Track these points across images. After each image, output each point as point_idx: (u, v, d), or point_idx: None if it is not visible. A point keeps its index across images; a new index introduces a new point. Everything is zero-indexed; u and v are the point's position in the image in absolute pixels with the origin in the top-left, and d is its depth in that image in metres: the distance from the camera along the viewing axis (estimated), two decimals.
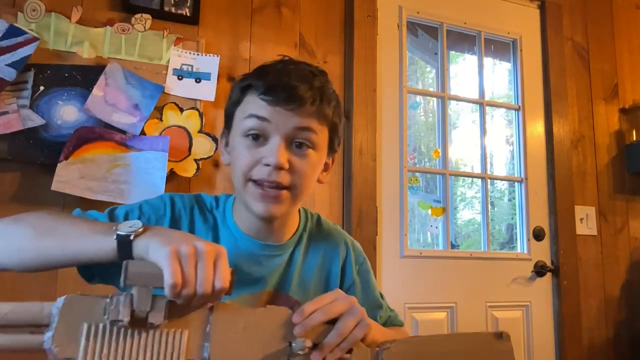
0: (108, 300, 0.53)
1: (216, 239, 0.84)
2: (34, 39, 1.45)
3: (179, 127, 1.59)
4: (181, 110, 1.61)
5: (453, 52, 2.86)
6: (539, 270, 2.11)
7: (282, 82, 0.76)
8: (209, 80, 1.65)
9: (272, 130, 0.76)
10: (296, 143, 0.78)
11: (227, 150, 0.86)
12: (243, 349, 0.58)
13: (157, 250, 0.58)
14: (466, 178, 3.74)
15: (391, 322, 0.95)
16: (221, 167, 1.67)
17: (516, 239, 2.22)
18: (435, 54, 2.30)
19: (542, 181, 2.20)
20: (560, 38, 2.30)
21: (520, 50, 2.27)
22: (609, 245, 2.24)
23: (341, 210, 1.82)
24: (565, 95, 2.26)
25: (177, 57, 1.63)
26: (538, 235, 2.15)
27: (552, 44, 2.27)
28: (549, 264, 2.13)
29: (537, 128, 2.24)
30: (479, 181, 2.31)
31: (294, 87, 0.76)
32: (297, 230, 0.89)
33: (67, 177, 1.43)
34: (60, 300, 0.53)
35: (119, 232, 0.62)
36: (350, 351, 0.63)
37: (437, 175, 2.17)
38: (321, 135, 0.80)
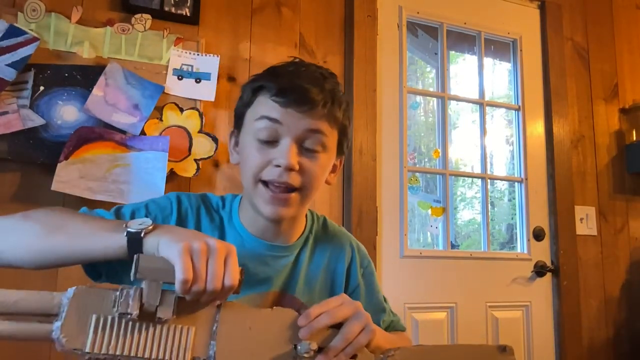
0: (118, 293, 0.54)
1: (222, 239, 0.83)
2: (34, 39, 1.45)
3: (179, 127, 1.59)
4: (181, 110, 1.61)
5: (453, 52, 2.86)
6: (539, 270, 2.11)
7: (294, 85, 0.76)
8: (209, 80, 1.65)
9: (284, 131, 0.77)
10: (307, 145, 0.78)
11: (236, 150, 0.86)
12: (249, 349, 0.58)
13: (169, 246, 0.58)
14: (466, 178, 3.74)
15: (394, 326, 0.95)
16: (221, 167, 1.67)
17: (516, 239, 2.22)
18: (435, 54, 2.30)
19: (542, 181, 2.20)
20: (560, 38, 2.30)
21: (520, 50, 2.27)
22: (609, 245, 2.24)
23: (341, 210, 1.82)
24: (565, 95, 2.26)
25: (177, 57, 1.63)
26: (538, 235, 2.15)
27: (552, 44, 2.27)
28: (549, 264, 2.13)
29: (537, 128, 2.24)
30: (479, 181, 2.31)
31: (306, 89, 0.76)
32: (303, 231, 0.89)
33: (67, 177, 1.43)
34: (71, 291, 0.53)
35: (129, 230, 0.63)
36: (354, 356, 0.63)
37: (437, 175, 2.17)
38: (331, 138, 0.81)
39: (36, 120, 1.43)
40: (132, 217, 0.78)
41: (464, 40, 2.37)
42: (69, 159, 1.44)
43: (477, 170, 2.29)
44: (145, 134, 1.54)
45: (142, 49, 1.59)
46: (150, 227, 0.63)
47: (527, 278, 2.11)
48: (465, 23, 2.20)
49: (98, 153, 1.48)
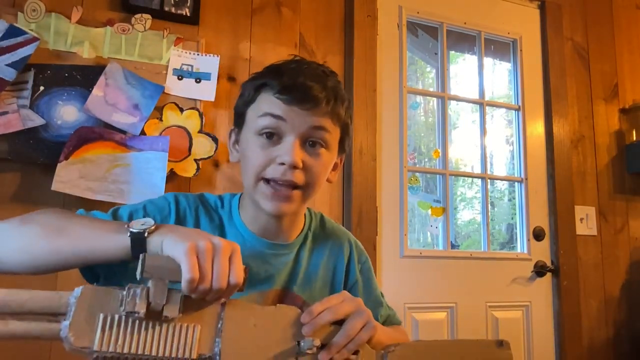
0: (125, 292, 0.54)
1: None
2: (34, 39, 1.45)
3: (179, 127, 1.59)
4: (181, 110, 1.61)
5: (453, 52, 2.86)
6: (539, 270, 2.11)
7: (297, 82, 0.77)
8: (209, 80, 1.65)
9: (287, 129, 0.77)
10: (310, 142, 0.79)
11: (236, 148, 0.86)
12: (253, 345, 0.59)
13: (174, 245, 0.58)
14: (466, 178, 3.74)
15: (390, 320, 0.96)
16: (221, 167, 1.67)
17: (516, 239, 2.22)
18: (435, 54, 2.30)
19: (542, 181, 2.20)
20: (560, 38, 2.30)
21: (520, 50, 2.27)
22: (609, 245, 2.24)
23: (341, 210, 1.82)
24: (565, 95, 2.26)
25: (177, 57, 1.63)
26: (538, 235, 2.15)
27: (552, 44, 2.27)
28: (549, 264, 2.13)
29: (537, 128, 2.24)
30: (479, 181, 2.31)
31: (309, 87, 0.76)
32: (302, 229, 0.90)
33: (67, 177, 1.43)
34: (78, 290, 0.54)
35: (132, 230, 0.63)
36: (356, 352, 0.64)
37: (437, 175, 2.17)
38: (334, 135, 0.82)
39: (36, 120, 1.43)
40: (130, 218, 0.78)
41: (464, 40, 2.37)
42: (69, 159, 1.44)
43: (477, 170, 2.29)
44: (145, 134, 1.54)
45: (142, 49, 1.59)
46: (153, 227, 0.63)
47: (527, 278, 2.11)
48: (465, 23, 2.20)
49: (98, 153, 1.48)
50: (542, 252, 2.15)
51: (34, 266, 0.68)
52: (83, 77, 1.50)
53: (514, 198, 2.36)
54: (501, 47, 2.33)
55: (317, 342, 0.61)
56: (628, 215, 2.30)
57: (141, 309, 0.53)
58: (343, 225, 1.79)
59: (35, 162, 1.43)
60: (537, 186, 2.19)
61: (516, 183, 2.22)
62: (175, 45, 1.63)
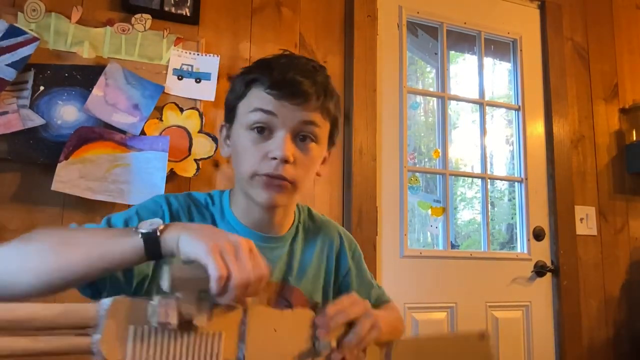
0: (154, 302, 0.54)
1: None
2: (34, 39, 1.45)
3: (179, 127, 1.59)
4: (181, 110, 1.61)
5: (453, 52, 2.86)
6: (539, 270, 2.11)
7: (287, 77, 0.78)
8: (209, 80, 1.65)
9: (278, 124, 0.78)
10: (300, 136, 0.80)
11: (227, 143, 0.87)
12: (274, 349, 0.60)
13: (194, 245, 0.58)
14: (466, 178, 3.74)
15: (380, 299, 1.00)
16: (221, 167, 1.67)
17: (516, 239, 2.22)
18: (435, 54, 2.30)
19: (542, 181, 2.20)
20: (560, 38, 2.30)
21: (520, 50, 2.27)
22: (609, 245, 2.24)
23: (341, 210, 1.82)
24: (565, 95, 2.26)
25: (177, 57, 1.63)
26: (538, 235, 2.15)
27: (552, 44, 2.27)
28: (549, 264, 2.13)
29: (537, 128, 2.24)
30: (479, 181, 2.31)
31: (299, 82, 0.78)
32: (293, 222, 0.92)
33: (67, 177, 1.43)
34: (107, 302, 0.53)
35: (142, 231, 0.62)
36: (364, 350, 0.67)
37: (437, 175, 2.17)
38: (324, 129, 0.83)
39: (36, 120, 1.43)
40: (126, 225, 0.77)
41: (464, 40, 2.37)
42: (69, 159, 1.44)
43: (477, 170, 2.29)
44: (145, 134, 1.54)
45: (142, 49, 1.59)
46: (162, 226, 0.62)
47: (527, 278, 2.11)
48: (465, 23, 2.20)
49: (98, 153, 1.48)
50: (542, 252, 2.15)
51: (46, 285, 0.63)
52: (83, 77, 1.50)
53: (514, 198, 2.36)
54: (501, 47, 2.33)
55: (333, 343, 0.63)
56: (628, 215, 2.30)
57: (174, 320, 0.53)
58: (343, 226, 1.80)
59: (35, 162, 1.43)
60: (537, 186, 2.19)
61: (516, 183, 2.22)
62: (175, 45, 1.63)
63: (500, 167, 3.06)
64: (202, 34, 1.70)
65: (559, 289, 2.10)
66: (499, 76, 2.94)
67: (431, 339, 0.77)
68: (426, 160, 3.39)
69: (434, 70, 2.92)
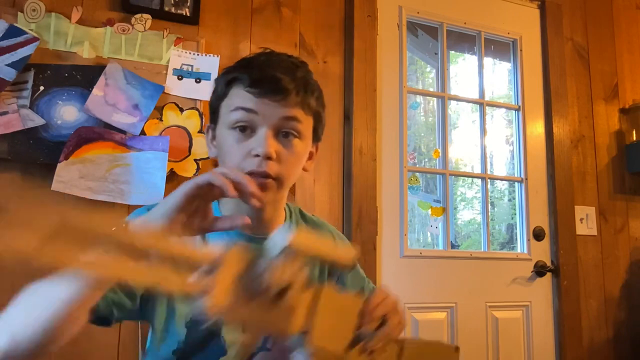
0: (271, 259, 0.54)
1: (206, 240, 0.84)
2: (34, 39, 1.45)
3: (179, 127, 1.59)
4: (181, 110, 1.61)
5: (453, 52, 2.86)
6: (539, 270, 2.11)
7: (267, 75, 0.79)
8: (209, 80, 1.65)
9: (260, 121, 0.79)
10: (283, 133, 0.80)
11: (213, 144, 0.87)
12: (335, 326, 0.62)
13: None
14: (466, 178, 3.74)
15: (369, 288, 1.01)
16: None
17: (516, 239, 2.22)
18: (435, 54, 2.31)
19: (542, 181, 2.20)
20: (560, 38, 2.30)
21: (520, 50, 2.27)
22: (609, 245, 2.24)
23: (341, 210, 1.82)
24: (565, 95, 2.26)
25: (177, 57, 1.63)
26: (538, 235, 2.15)
27: (552, 44, 2.27)
28: (549, 264, 2.13)
29: (537, 128, 2.24)
30: (479, 181, 2.31)
31: (278, 79, 0.78)
32: (284, 222, 0.92)
33: (67, 177, 1.43)
34: (224, 248, 0.53)
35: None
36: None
37: (437, 175, 2.17)
38: (306, 125, 0.83)
39: (36, 120, 1.43)
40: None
41: (464, 40, 2.37)
42: (69, 159, 1.44)
43: (477, 170, 2.29)
44: (145, 134, 1.54)
45: (142, 49, 1.59)
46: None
47: (527, 278, 2.11)
48: (465, 23, 2.20)
49: (98, 153, 1.48)
50: (542, 252, 2.15)
51: (51, 334, 0.59)
52: (83, 77, 1.50)
53: (514, 198, 2.36)
54: (501, 47, 2.33)
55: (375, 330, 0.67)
56: (628, 215, 2.30)
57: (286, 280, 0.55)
58: (343, 226, 1.81)
59: (35, 162, 1.43)
60: (537, 186, 2.19)
61: (516, 183, 2.22)
62: (175, 45, 1.63)
63: (500, 167, 3.06)
64: (202, 34, 1.70)
65: (559, 289, 2.10)
66: (499, 76, 2.94)
67: (415, 342, 0.79)
68: (426, 160, 3.39)
69: (434, 70, 2.92)
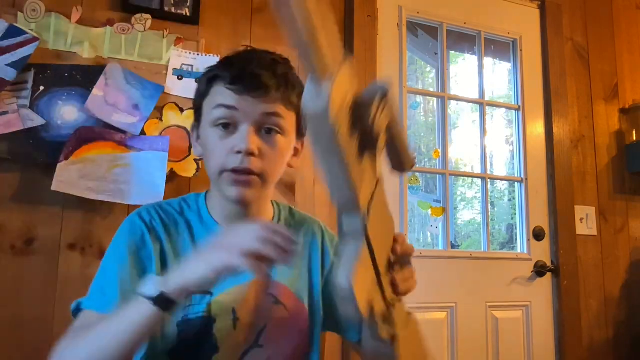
0: None
1: (194, 240, 0.84)
2: (34, 39, 1.45)
3: (179, 127, 1.59)
4: (181, 110, 1.61)
5: (453, 52, 2.86)
6: (539, 270, 2.11)
7: (247, 71, 0.79)
8: None
9: (241, 118, 0.79)
10: (265, 129, 0.81)
11: (199, 143, 0.87)
12: (381, 233, 0.61)
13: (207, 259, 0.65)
14: (466, 178, 3.74)
15: None
16: None
17: (516, 239, 2.22)
18: (435, 54, 2.31)
19: (542, 181, 2.20)
20: (560, 38, 2.30)
21: (520, 50, 2.27)
22: (609, 245, 2.24)
23: None
24: (565, 95, 2.26)
25: (177, 57, 1.62)
26: (538, 235, 2.15)
27: (552, 44, 2.28)
28: (549, 264, 2.13)
29: (537, 128, 2.24)
30: (479, 181, 2.31)
31: (258, 75, 0.79)
32: (272, 219, 0.91)
33: (67, 177, 1.43)
34: None
35: (146, 296, 0.64)
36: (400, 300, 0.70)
37: (437, 175, 2.17)
38: (289, 120, 0.83)
39: (36, 120, 1.43)
40: (123, 287, 0.76)
41: (464, 40, 2.37)
42: (69, 159, 1.44)
43: (477, 170, 2.29)
44: (145, 134, 1.54)
45: (142, 49, 1.59)
46: (160, 279, 0.65)
47: (527, 278, 2.11)
48: (465, 23, 2.20)
49: (98, 153, 1.48)
50: (542, 252, 2.15)
51: None
52: (83, 77, 1.50)
53: (514, 198, 2.36)
54: (501, 47, 2.33)
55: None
56: (628, 215, 2.30)
57: None
58: None
59: (35, 162, 1.43)
60: (537, 186, 2.19)
61: (516, 183, 2.22)
62: (175, 45, 1.62)
63: (500, 167, 3.06)
64: (202, 34, 1.70)
65: (559, 289, 2.10)
66: (499, 76, 2.94)
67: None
68: (426, 160, 3.39)
69: (434, 70, 2.92)
